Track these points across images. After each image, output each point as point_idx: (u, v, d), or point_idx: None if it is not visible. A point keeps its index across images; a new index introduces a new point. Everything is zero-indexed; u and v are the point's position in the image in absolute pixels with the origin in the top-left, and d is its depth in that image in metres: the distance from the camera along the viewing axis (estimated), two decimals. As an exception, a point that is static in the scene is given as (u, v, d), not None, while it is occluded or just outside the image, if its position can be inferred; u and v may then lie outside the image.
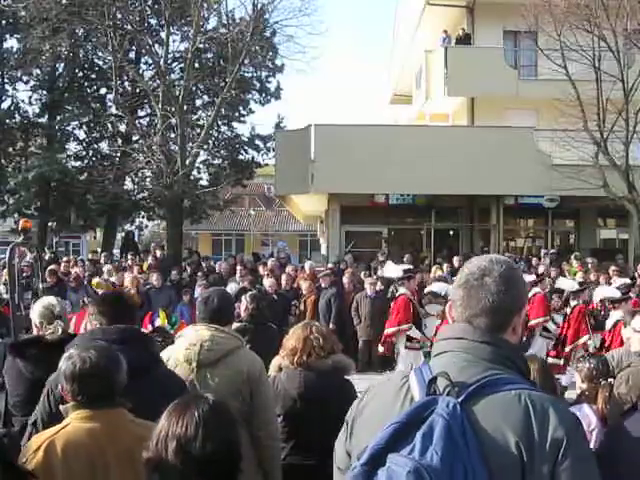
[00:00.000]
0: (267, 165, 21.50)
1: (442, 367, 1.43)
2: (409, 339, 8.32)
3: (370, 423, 1.47)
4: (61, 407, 2.29)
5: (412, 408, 1.36)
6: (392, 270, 9.48)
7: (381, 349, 8.80)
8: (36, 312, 3.43)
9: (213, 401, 1.88)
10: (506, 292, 1.49)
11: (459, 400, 1.33)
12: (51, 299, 3.48)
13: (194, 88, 18.37)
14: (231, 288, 9.35)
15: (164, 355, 3.19)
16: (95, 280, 9.86)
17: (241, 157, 21.44)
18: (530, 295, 9.43)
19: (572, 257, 12.81)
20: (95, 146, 21.50)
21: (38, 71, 19.63)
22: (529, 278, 10.07)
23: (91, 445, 2.18)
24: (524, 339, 9.20)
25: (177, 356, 3.09)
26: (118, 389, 2.39)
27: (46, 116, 20.08)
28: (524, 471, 1.30)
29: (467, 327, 1.49)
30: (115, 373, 2.33)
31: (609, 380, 3.45)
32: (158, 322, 4.32)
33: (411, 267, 10.16)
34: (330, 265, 12.25)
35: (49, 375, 2.97)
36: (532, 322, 9.06)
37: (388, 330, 8.44)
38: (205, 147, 19.28)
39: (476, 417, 1.33)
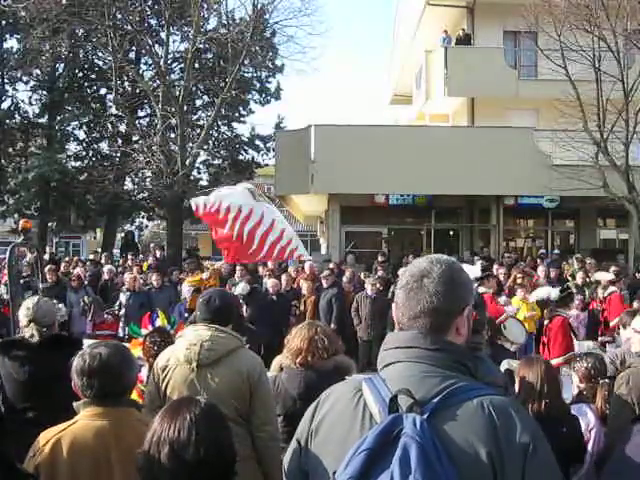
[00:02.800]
0: (267, 165, 21.52)
1: (397, 379, 1.40)
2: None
3: (329, 444, 1.44)
4: (74, 404, 2.31)
5: (379, 430, 1.31)
6: (468, 271, 9.41)
7: None
8: (19, 315, 3.45)
9: (205, 404, 1.88)
10: (445, 293, 1.46)
11: (424, 417, 1.31)
12: (29, 302, 3.45)
13: (194, 88, 18.39)
14: (242, 288, 9.37)
15: (164, 355, 3.19)
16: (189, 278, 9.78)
17: (241, 157, 21.47)
18: (606, 294, 9.33)
19: (574, 258, 12.80)
20: (95, 146, 21.53)
21: (38, 71, 19.64)
22: (608, 277, 9.93)
23: (97, 444, 2.19)
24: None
25: (177, 356, 3.09)
26: (128, 387, 2.40)
27: (46, 116, 20.10)
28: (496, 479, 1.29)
29: (417, 335, 1.45)
30: (125, 371, 2.34)
31: (607, 379, 3.46)
32: (158, 322, 4.32)
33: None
34: (331, 265, 12.24)
35: (34, 376, 2.97)
36: (613, 322, 8.94)
37: None
38: (205, 147, 19.30)
39: (444, 432, 1.31)
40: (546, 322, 7.69)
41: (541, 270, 11.40)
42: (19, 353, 3.11)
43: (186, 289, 8.79)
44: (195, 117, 20.34)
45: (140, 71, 19.20)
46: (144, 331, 4.26)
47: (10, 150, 20.50)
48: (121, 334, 9.46)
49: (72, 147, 21.28)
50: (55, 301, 3.98)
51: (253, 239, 6.50)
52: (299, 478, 1.54)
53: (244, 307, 9.24)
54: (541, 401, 3.12)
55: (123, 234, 22.53)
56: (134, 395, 3.75)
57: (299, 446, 1.54)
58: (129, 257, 13.62)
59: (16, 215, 19.90)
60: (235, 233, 6.47)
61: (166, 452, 1.74)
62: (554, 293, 8.15)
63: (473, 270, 9.17)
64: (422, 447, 1.26)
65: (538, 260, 13.51)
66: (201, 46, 17.23)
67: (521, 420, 1.35)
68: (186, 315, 8.59)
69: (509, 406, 1.38)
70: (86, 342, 3.53)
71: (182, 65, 18.51)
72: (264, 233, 6.50)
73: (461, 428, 1.32)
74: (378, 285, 10.20)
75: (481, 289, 8.44)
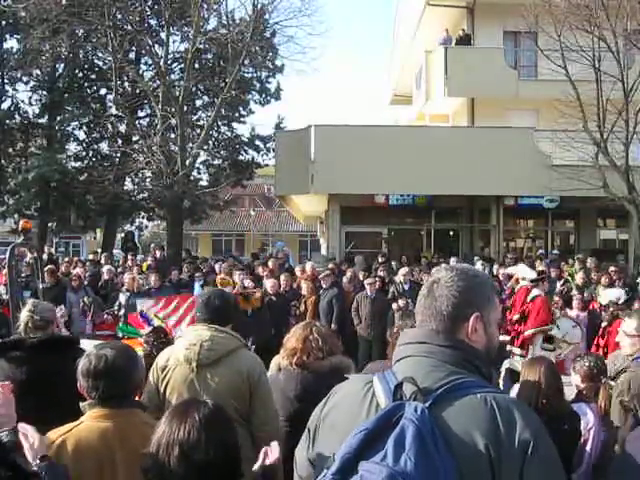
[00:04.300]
0: (267, 165, 21.51)
1: (406, 372, 1.44)
2: (545, 340, 8.22)
3: (335, 431, 1.47)
4: (81, 404, 2.31)
5: (380, 414, 1.35)
6: (525, 271, 9.42)
7: (518, 351, 8.31)
8: (21, 316, 3.46)
9: (212, 405, 1.88)
10: (448, 299, 1.52)
11: (426, 405, 1.34)
12: (30, 301, 3.46)
13: (194, 88, 18.39)
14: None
15: (163, 355, 3.19)
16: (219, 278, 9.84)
17: (241, 157, 21.46)
18: None
19: (576, 258, 12.81)
20: (95, 146, 21.52)
21: (38, 71, 19.63)
22: None
23: (101, 445, 2.19)
24: None
25: (177, 356, 3.08)
26: (134, 389, 2.39)
27: (46, 116, 20.09)
28: (494, 473, 1.30)
29: (430, 332, 1.51)
30: (131, 372, 2.34)
31: (608, 379, 3.46)
32: (156, 322, 4.32)
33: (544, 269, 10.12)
34: (330, 265, 12.23)
35: (32, 376, 2.96)
36: None
37: (528, 331, 8.13)
38: (205, 147, 19.30)
39: (444, 421, 1.34)
40: (604, 324, 7.66)
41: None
42: (16, 354, 3.10)
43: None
44: (195, 117, 20.34)
45: (140, 71, 19.20)
46: (142, 331, 4.26)
47: (10, 150, 20.48)
48: (120, 334, 9.45)
49: (72, 147, 21.30)
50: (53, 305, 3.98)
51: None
52: (306, 470, 1.57)
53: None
54: (543, 399, 3.13)
55: (123, 234, 22.53)
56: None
57: (308, 435, 1.59)
58: (129, 257, 13.61)
59: (16, 215, 19.90)
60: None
61: (176, 454, 1.75)
62: (624, 296, 8.11)
63: (528, 272, 9.16)
64: (419, 429, 1.29)
65: (537, 261, 13.53)
66: (201, 46, 17.22)
67: (524, 418, 1.36)
68: None
69: (513, 403, 1.40)
70: (87, 342, 3.53)
71: (182, 65, 18.50)
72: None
73: (462, 419, 1.34)
74: (377, 285, 10.19)
75: (535, 291, 8.42)
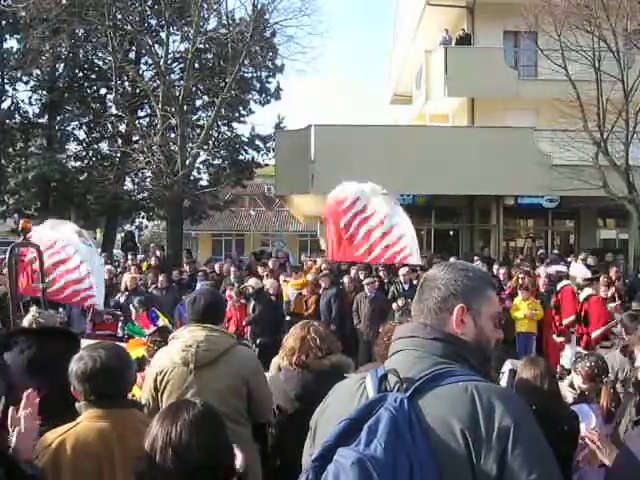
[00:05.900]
0: (267, 165, 21.49)
1: (394, 365, 1.47)
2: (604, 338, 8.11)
3: (330, 426, 1.49)
4: (76, 404, 2.32)
5: (363, 405, 1.39)
6: (579, 271, 9.34)
7: (584, 352, 8.21)
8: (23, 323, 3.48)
9: (202, 405, 1.88)
10: (434, 291, 1.56)
11: (406, 395, 1.36)
12: (33, 308, 3.49)
13: (194, 88, 18.38)
14: (255, 282, 9.36)
15: (158, 358, 3.17)
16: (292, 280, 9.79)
17: (241, 157, 21.43)
18: None
19: (579, 258, 12.80)
20: (95, 146, 21.49)
21: (38, 71, 19.62)
22: None
23: (99, 445, 2.20)
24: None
25: (173, 358, 3.06)
26: (128, 388, 2.40)
27: (46, 116, 20.08)
28: (472, 461, 1.30)
29: (418, 326, 1.55)
30: (125, 372, 2.35)
31: (610, 378, 3.46)
32: (161, 322, 4.29)
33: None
34: (324, 265, 12.18)
35: (33, 361, 2.96)
36: None
37: (596, 333, 8.09)
38: (205, 147, 19.28)
39: (423, 410, 1.35)
40: None
41: (541, 270, 11.39)
42: (19, 339, 3.09)
43: (290, 292, 8.81)
44: (195, 117, 20.32)
45: (140, 71, 19.19)
46: (147, 331, 4.25)
47: (10, 150, 20.46)
48: (120, 334, 9.45)
49: (72, 147, 21.27)
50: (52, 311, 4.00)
51: (367, 239, 6.39)
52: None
53: (252, 304, 9.19)
54: (541, 400, 3.12)
55: (123, 234, 22.53)
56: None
57: (311, 432, 1.62)
58: (129, 257, 13.62)
59: (16, 215, 19.89)
60: (350, 232, 6.41)
61: (169, 457, 1.74)
62: None
63: (583, 272, 9.08)
64: (393, 417, 1.31)
65: (537, 262, 13.51)
66: (201, 46, 17.23)
67: (505, 404, 1.35)
68: (288, 318, 8.57)
69: (495, 391, 1.39)
70: (86, 342, 3.52)
71: (182, 65, 18.51)
72: (382, 235, 6.39)
73: (440, 407, 1.35)
74: (376, 285, 10.18)
75: (588, 290, 8.32)
